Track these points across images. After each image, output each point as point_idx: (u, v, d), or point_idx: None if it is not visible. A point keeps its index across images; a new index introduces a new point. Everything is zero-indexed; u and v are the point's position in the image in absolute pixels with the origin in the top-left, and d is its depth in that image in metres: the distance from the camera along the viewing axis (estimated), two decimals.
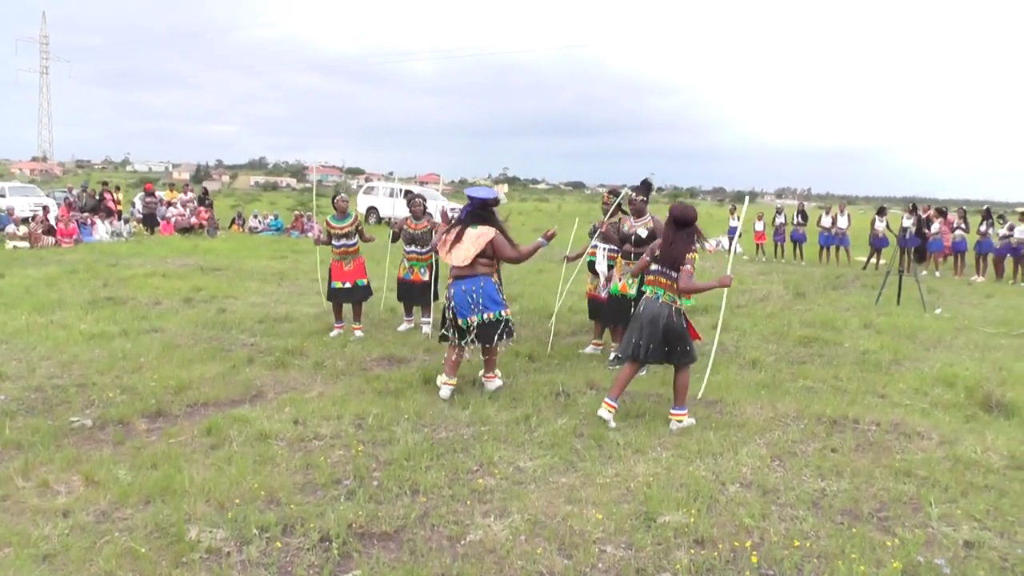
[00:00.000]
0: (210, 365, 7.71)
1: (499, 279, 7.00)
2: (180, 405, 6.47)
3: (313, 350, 8.49)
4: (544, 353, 8.60)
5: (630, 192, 8.15)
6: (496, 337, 6.80)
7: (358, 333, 9.38)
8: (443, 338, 6.93)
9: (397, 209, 28.97)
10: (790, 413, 6.53)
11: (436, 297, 9.70)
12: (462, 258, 6.71)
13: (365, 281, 9.55)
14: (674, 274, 6.12)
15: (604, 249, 8.13)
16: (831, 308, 12.71)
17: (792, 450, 5.76)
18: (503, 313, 6.79)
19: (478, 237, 6.73)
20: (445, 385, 6.83)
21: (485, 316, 6.72)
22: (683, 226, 6.12)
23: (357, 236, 9.49)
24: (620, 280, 7.92)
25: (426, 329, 9.61)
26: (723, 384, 7.46)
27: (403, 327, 9.84)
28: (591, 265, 8.44)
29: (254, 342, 8.89)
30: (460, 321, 6.76)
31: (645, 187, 8.09)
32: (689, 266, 6.08)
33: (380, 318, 10.57)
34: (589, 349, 8.86)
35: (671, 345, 6.08)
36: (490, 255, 6.80)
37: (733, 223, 22.21)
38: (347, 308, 9.72)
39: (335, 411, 6.23)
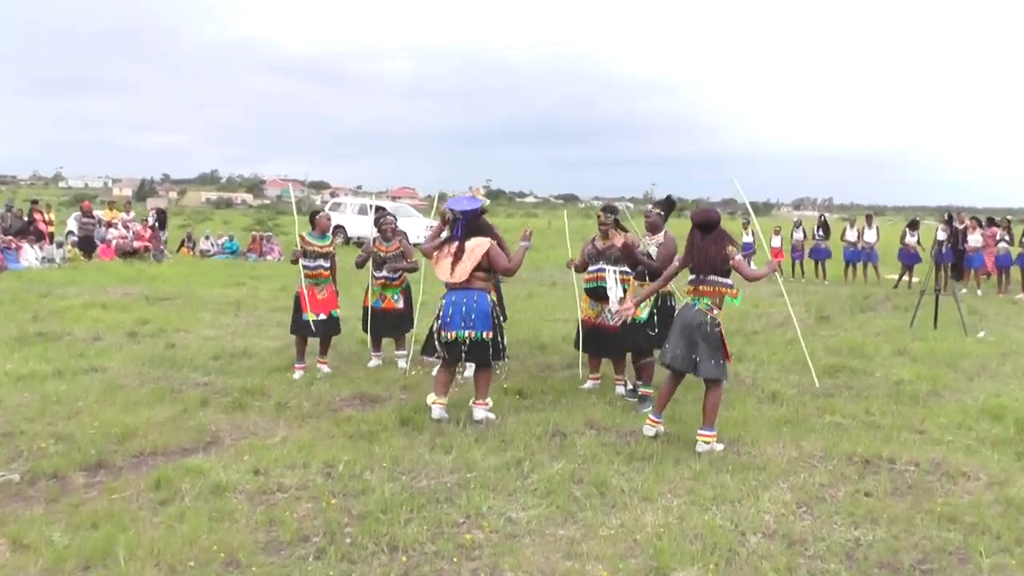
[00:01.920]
0: (158, 409, 7.66)
1: (498, 296, 7.38)
2: (124, 455, 6.40)
3: (275, 389, 8.45)
4: (537, 389, 8.57)
5: (624, 207, 8.32)
6: (484, 358, 7.27)
7: (325, 369, 9.33)
8: (428, 350, 7.45)
9: (368, 228, 28.85)
10: (816, 452, 6.55)
11: (412, 325, 9.63)
12: (460, 274, 7.24)
13: (338, 312, 9.47)
14: (714, 278, 6.58)
15: (614, 272, 8.13)
16: (859, 333, 12.71)
17: (820, 495, 5.76)
18: (485, 335, 7.21)
19: (473, 250, 7.26)
20: (435, 405, 7.30)
21: (467, 334, 7.19)
22: (707, 230, 6.63)
23: (331, 261, 9.37)
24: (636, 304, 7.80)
25: (402, 364, 9.56)
26: (740, 421, 7.45)
27: (373, 362, 9.80)
28: (593, 292, 8.38)
29: (208, 381, 8.86)
30: (444, 334, 7.23)
31: (668, 203, 8.26)
32: (737, 257, 6.61)
33: (350, 352, 10.52)
34: (589, 384, 8.85)
35: (700, 354, 6.52)
36: (486, 267, 7.31)
37: (747, 239, 22.19)
38: (311, 343, 9.61)
39: (301, 458, 6.22)
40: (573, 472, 6.00)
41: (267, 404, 7.95)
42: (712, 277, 6.60)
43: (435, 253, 7.45)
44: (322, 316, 9.22)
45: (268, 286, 18.01)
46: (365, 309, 9.68)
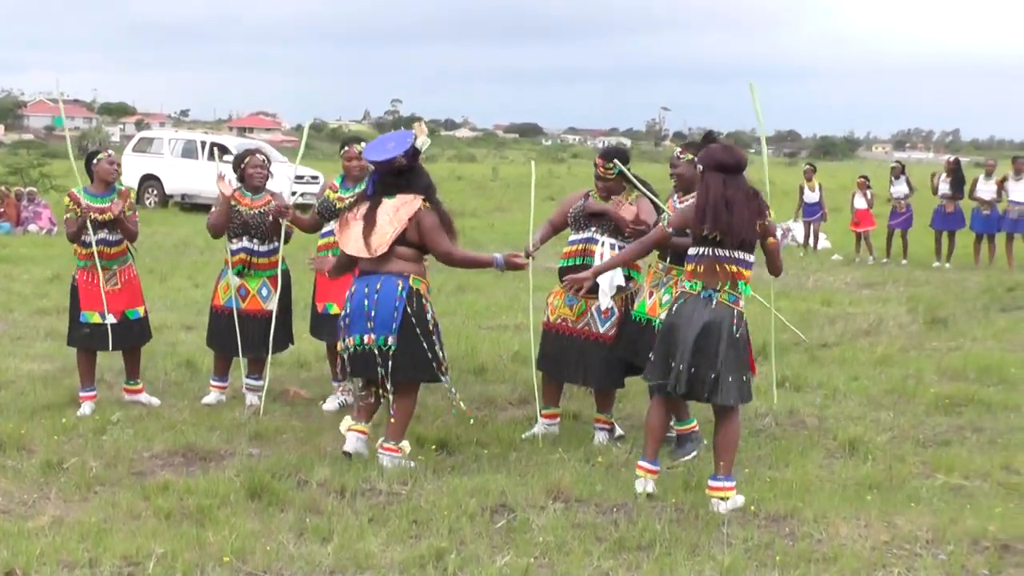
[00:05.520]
0: None
1: (427, 289, 6.51)
2: None
3: (42, 440, 7.11)
4: (469, 438, 7.20)
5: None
6: (387, 375, 6.34)
7: (153, 401, 7.90)
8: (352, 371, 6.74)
9: (200, 179, 24.37)
10: (921, 534, 5.68)
11: (290, 340, 8.12)
12: (377, 245, 6.29)
13: (141, 312, 7.94)
14: (740, 255, 6.08)
15: (610, 246, 7.01)
16: (996, 345, 11.11)
17: None
18: (388, 339, 6.29)
19: (397, 210, 6.29)
20: (351, 432, 6.55)
21: (366, 339, 6.33)
22: (734, 175, 6.06)
23: (121, 231, 7.75)
24: (650, 295, 6.98)
25: (252, 399, 7.95)
26: (797, 485, 6.41)
27: (211, 397, 8.16)
28: (569, 272, 7.01)
29: None
30: (343, 342, 6.49)
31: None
32: (778, 234, 6.18)
33: (168, 379, 9.11)
34: (538, 429, 7.44)
35: (722, 370, 5.95)
36: (415, 242, 6.36)
37: (811, 196, 19.94)
38: (110, 362, 8.23)
39: (85, 552, 5.21)
40: (527, 571, 5.12)
41: (27, 464, 6.68)
42: (739, 253, 6.03)
43: (345, 217, 6.54)
44: (110, 319, 7.67)
45: (30, 274, 15.61)
46: (213, 311, 8.01)
